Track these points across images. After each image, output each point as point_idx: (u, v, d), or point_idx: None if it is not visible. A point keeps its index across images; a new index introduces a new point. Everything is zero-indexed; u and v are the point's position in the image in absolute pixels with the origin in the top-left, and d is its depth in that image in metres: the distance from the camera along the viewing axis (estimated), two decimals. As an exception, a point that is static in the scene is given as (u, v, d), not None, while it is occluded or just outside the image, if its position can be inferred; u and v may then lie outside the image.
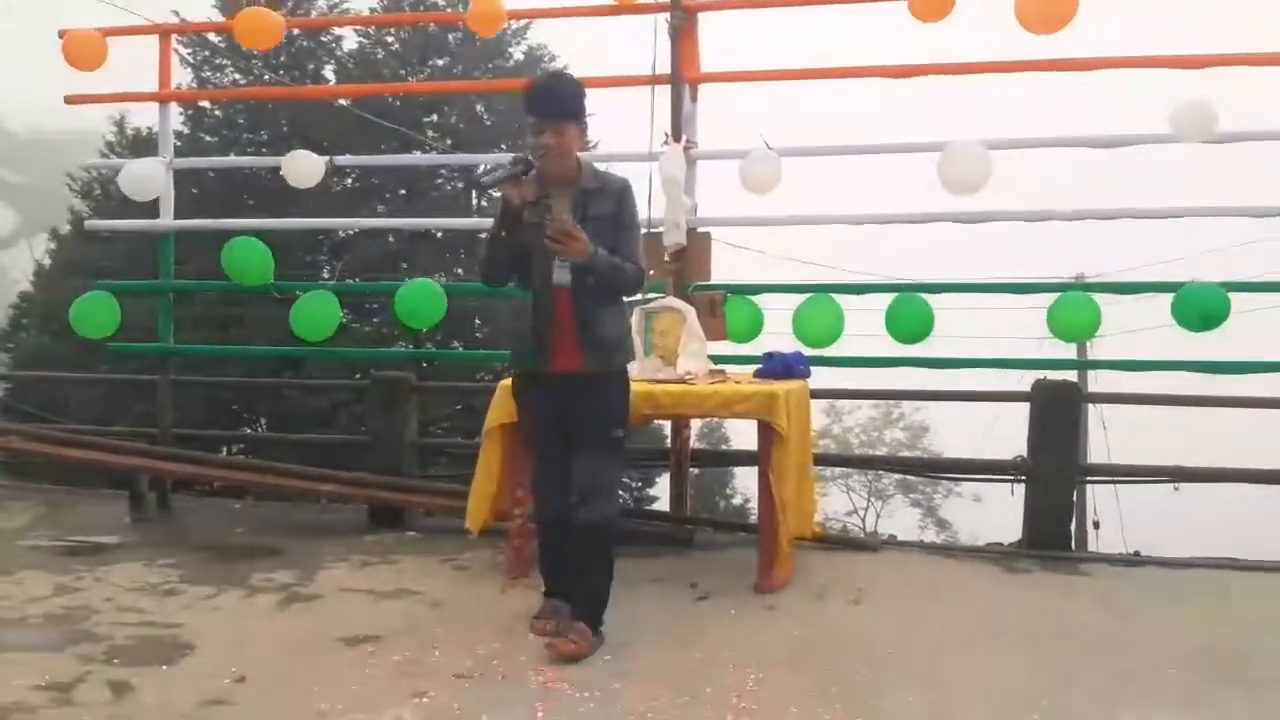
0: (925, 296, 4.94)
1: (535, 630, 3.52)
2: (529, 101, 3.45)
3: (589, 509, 3.48)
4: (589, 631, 3.42)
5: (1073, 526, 5.30)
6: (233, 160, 12.71)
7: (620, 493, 3.70)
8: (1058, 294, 4.93)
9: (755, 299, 5.13)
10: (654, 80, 5.18)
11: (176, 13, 16.98)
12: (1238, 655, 3.47)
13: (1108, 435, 14.01)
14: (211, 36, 17.91)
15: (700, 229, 5.13)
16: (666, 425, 6.13)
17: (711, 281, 5.12)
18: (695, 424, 5.46)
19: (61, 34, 5.67)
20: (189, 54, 17.87)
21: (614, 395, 3.56)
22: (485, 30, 5.46)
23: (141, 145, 16.61)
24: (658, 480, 16.68)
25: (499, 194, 3.45)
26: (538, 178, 3.43)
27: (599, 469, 3.51)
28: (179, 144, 15.49)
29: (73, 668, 3.24)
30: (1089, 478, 6.28)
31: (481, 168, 3.47)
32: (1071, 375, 5.83)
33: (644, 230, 5.04)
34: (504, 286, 3.64)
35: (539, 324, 3.49)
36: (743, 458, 5.52)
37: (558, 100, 3.46)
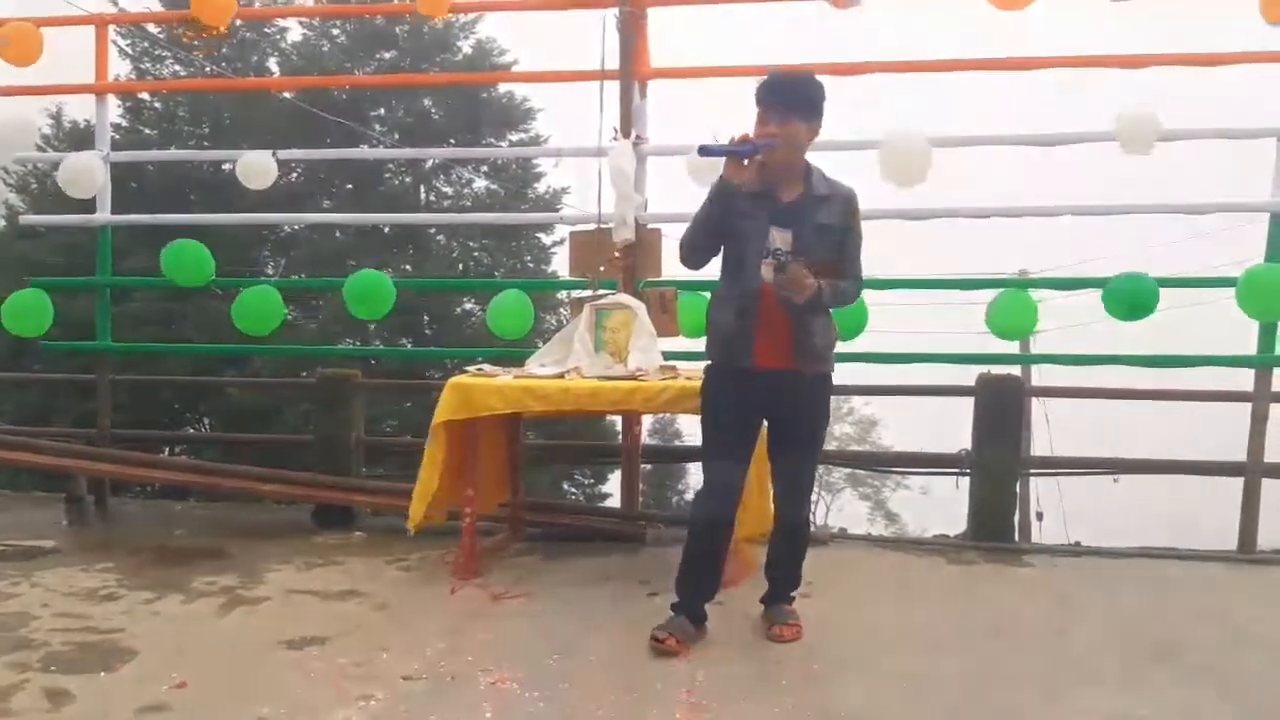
0: (873, 293, 4.98)
1: (655, 639, 3.39)
2: (759, 91, 3.40)
3: (796, 508, 3.62)
4: (795, 610, 3.68)
5: (1016, 518, 5.39)
6: (173, 154, 12.45)
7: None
8: (999, 290, 5.00)
9: (706, 295, 5.13)
10: (603, 75, 5.17)
11: (115, 2, 16.62)
12: (1174, 643, 3.55)
13: (1050, 428, 14.28)
14: (151, 27, 17.54)
15: (650, 225, 5.13)
16: (618, 421, 6.13)
17: (662, 277, 5.12)
18: (647, 420, 5.46)
19: (-8, 24, 5.51)
20: (127, 45, 17.49)
21: (822, 398, 3.60)
22: (433, 11, 5.38)
23: (79, 138, 16.23)
24: (609, 477, 16.70)
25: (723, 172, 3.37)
26: (762, 167, 3.38)
27: (805, 469, 3.63)
28: (117, 137, 15.21)
29: (8, 676, 3.15)
30: (1032, 470, 6.40)
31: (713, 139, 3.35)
32: (1015, 369, 5.93)
33: (596, 226, 5.08)
34: (699, 268, 3.58)
35: (744, 318, 3.43)
36: (695, 453, 5.53)
37: (786, 93, 3.38)
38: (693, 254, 3.53)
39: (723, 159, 3.33)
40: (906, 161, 4.76)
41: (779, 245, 3.39)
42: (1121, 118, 4.68)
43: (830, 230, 3.43)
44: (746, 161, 3.32)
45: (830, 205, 3.44)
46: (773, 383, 3.45)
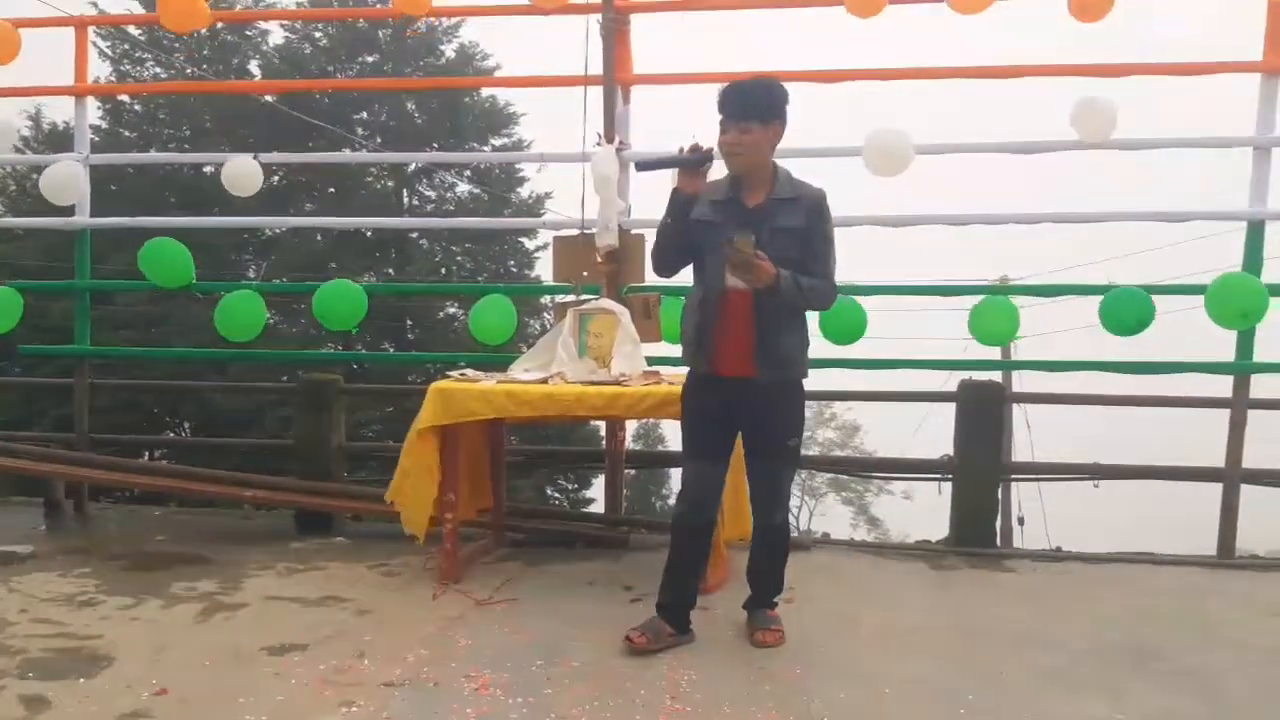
0: (856, 299, 5.01)
1: (630, 640, 3.42)
2: (718, 99, 3.40)
3: (769, 515, 3.59)
4: (776, 615, 3.66)
5: (998, 523, 5.42)
6: (153, 156, 12.40)
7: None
8: (981, 296, 5.03)
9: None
10: (586, 81, 5.17)
11: (94, 4, 16.53)
12: (1153, 647, 3.58)
13: (1031, 434, 14.38)
14: (131, 29, 17.44)
15: (633, 230, 5.13)
16: (602, 426, 6.12)
17: (645, 283, 5.12)
18: (631, 425, 5.46)
19: (-30, 25, 5.46)
20: (107, 47, 17.38)
21: (789, 405, 3.53)
22: (415, 9, 5.36)
23: (58, 140, 16.11)
24: (593, 482, 16.69)
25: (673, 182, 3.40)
26: (734, 180, 3.42)
27: (776, 477, 3.57)
28: (97, 139, 15.10)
29: (-17, 683, 3.12)
30: (1013, 475, 6.43)
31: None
32: (996, 375, 5.96)
33: (579, 231, 5.08)
34: (671, 276, 3.60)
35: (706, 324, 3.43)
36: (678, 458, 5.53)
37: (744, 98, 3.36)
38: (661, 264, 3.56)
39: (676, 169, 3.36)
40: (888, 153, 4.77)
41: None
42: (1078, 105, 4.70)
43: (793, 232, 3.38)
44: (700, 169, 3.34)
45: (795, 207, 3.41)
46: (735, 390, 3.45)
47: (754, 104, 3.37)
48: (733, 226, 3.33)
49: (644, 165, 3.47)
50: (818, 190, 3.48)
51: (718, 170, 3.50)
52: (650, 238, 5.16)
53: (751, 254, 3.24)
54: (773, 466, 3.56)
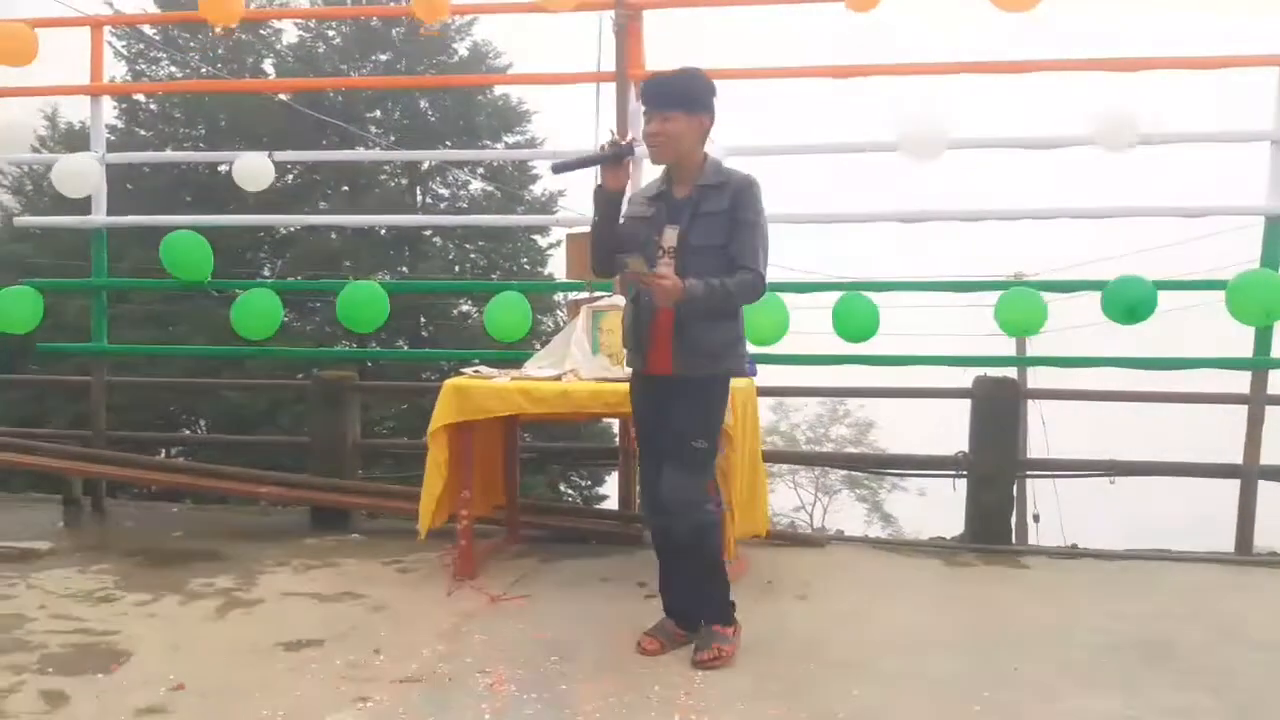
0: (870, 295, 4.99)
1: (641, 646, 3.41)
2: (640, 92, 3.39)
3: (676, 522, 3.37)
4: (724, 631, 3.39)
5: (1013, 520, 5.40)
6: (168, 155, 12.45)
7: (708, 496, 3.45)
8: (998, 291, 5.01)
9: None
10: (599, 78, 5.18)
11: (110, 3, 16.61)
12: (1169, 644, 3.56)
13: (1046, 430, 14.31)
14: (146, 29, 17.52)
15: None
16: (615, 423, 6.13)
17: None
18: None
19: (-12, 25, 5.50)
20: (123, 46, 17.46)
21: (703, 402, 3.37)
22: (430, 17, 5.38)
23: (74, 139, 16.19)
24: (606, 479, 16.69)
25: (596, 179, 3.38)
26: (666, 175, 3.41)
27: (682, 481, 3.35)
28: (112, 138, 15.18)
29: (4, 678, 3.14)
30: (1028, 472, 6.41)
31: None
32: (1011, 371, 5.93)
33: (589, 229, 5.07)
34: (613, 275, 3.56)
35: (636, 323, 3.42)
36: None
37: (666, 88, 3.34)
38: (596, 263, 3.50)
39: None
40: (925, 138, 4.75)
41: (672, 244, 3.33)
42: (1100, 118, 4.68)
43: (716, 218, 3.31)
44: (624, 162, 3.31)
45: (719, 193, 3.33)
46: (659, 388, 3.42)
47: (675, 94, 3.34)
48: (664, 221, 3.33)
49: (560, 166, 3.45)
50: (746, 176, 3.41)
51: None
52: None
53: (645, 275, 3.19)
54: (676, 470, 3.36)
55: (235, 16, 5.46)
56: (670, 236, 3.35)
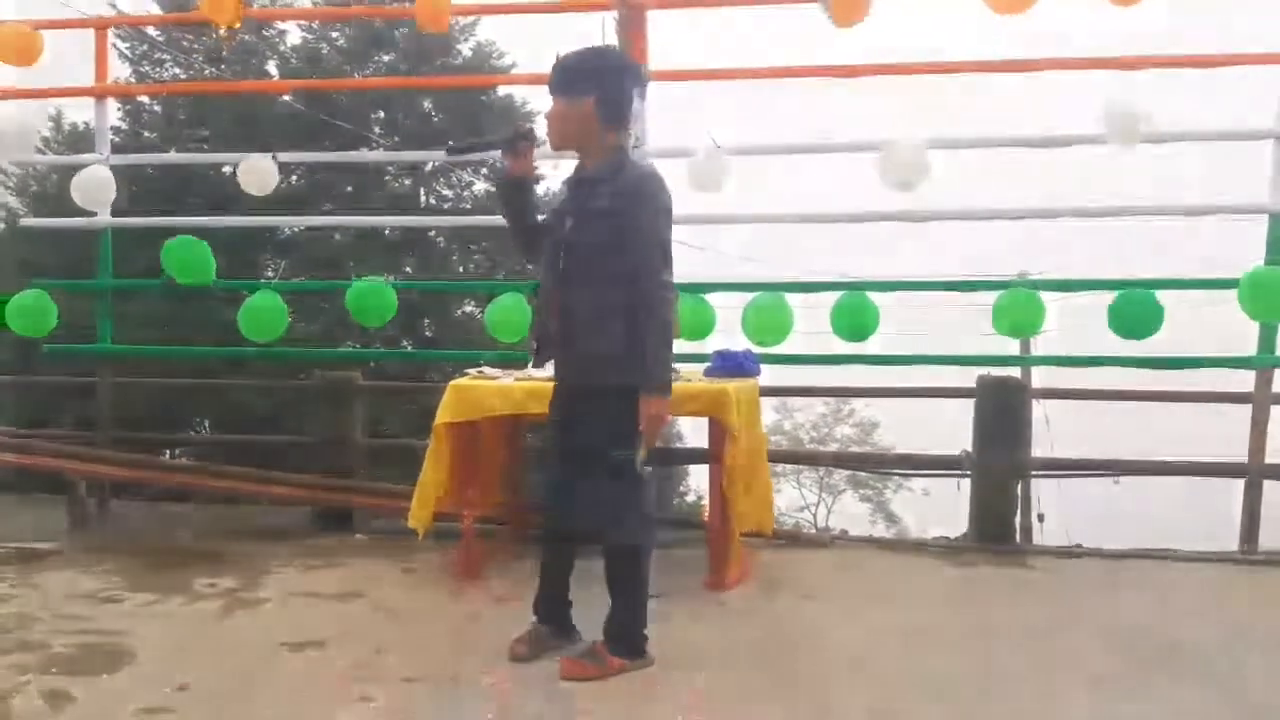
0: (872, 294, 4.99)
1: (511, 652, 3.31)
2: (550, 83, 3.23)
3: (607, 537, 3.26)
4: (610, 661, 3.17)
5: (1018, 520, 5.39)
6: (173, 157, 12.45)
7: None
8: (1001, 291, 5.00)
9: (705, 297, 5.14)
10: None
11: (113, 4, 16.63)
12: (1175, 644, 3.55)
13: (1051, 429, 14.26)
14: (150, 30, 17.54)
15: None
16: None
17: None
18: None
19: (-8, 26, 5.51)
20: (127, 48, 17.49)
21: (610, 413, 3.11)
22: (433, 25, 5.40)
23: (78, 141, 16.21)
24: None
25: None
26: (580, 168, 3.26)
27: (606, 491, 3.18)
28: (117, 140, 15.19)
29: (9, 678, 3.15)
30: (1033, 472, 6.39)
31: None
32: (1015, 371, 5.92)
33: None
34: (538, 260, 3.38)
35: (542, 321, 3.33)
36: (694, 456, 5.54)
37: (557, 71, 3.18)
38: (520, 250, 3.43)
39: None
40: (904, 169, 4.75)
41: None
42: (1108, 110, 4.67)
43: (603, 215, 3.09)
44: (519, 147, 3.22)
45: (610, 187, 3.10)
46: (561, 392, 3.35)
47: (564, 77, 3.18)
48: (565, 213, 3.20)
49: (455, 149, 3.36)
50: (644, 171, 3.20)
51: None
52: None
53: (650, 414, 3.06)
54: (602, 482, 3.17)
55: (236, 16, 5.46)
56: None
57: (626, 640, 3.24)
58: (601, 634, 3.27)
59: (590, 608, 3.40)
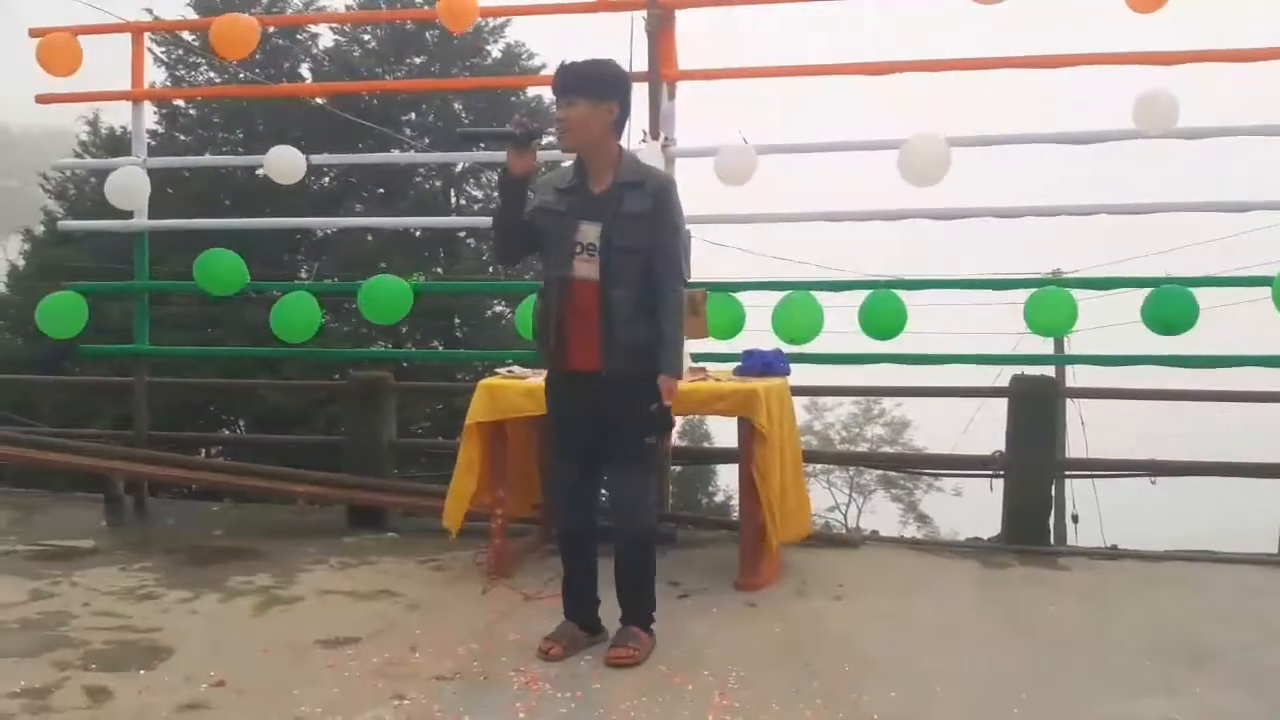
0: (902, 293, 4.96)
1: (542, 650, 3.33)
2: (555, 85, 3.30)
3: (629, 524, 3.38)
4: (643, 637, 3.36)
5: (1051, 520, 5.34)
6: (208, 160, 12.60)
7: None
8: (1034, 290, 4.95)
9: (736, 296, 5.13)
10: (631, 78, 5.17)
11: (150, 10, 16.85)
12: (1212, 647, 3.50)
13: (1085, 429, 14.12)
14: (185, 35, 17.76)
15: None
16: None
17: (692, 280, 5.11)
18: (677, 421, 5.45)
19: (33, 33, 5.60)
20: (162, 53, 17.71)
21: (635, 400, 3.29)
22: (457, 25, 5.42)
23: (115, 144, 16.44)
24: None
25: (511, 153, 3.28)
26: (579, 166, 3.33)
27: (631, 480, 3.36)
28: (153, 143, 15.40)
29: (49, 674, 3.20)
30: (1067, 472, 6.33)
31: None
32: (1049, 370, 5.87)
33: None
34: (515, 264, 3.49)
35: (552, 316, 3.33)
36: (724, 455, 5.53)
37: (570, 74, 3.26)
38: (501, 252, 3.47)
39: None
40: (925, 163, 4.72)
41: (591, 240, 3.27)
42: (1140, 101, 4.60)
43: (639, 218, 3.25)
44: (530, 146, 3.24)
45: (640, 191, 3.27)
46: (586, 385, 3.34)
47: (582, 80, 3.25)
48: (577, 216, 3.27)
49: (468, 134, 3.32)
50: (665, 175, 3.42)
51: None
52: (696, 233, 5.18)
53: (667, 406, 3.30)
54: (627, 470, 3.35)
55: (247, 47, 5.53)
56: (589, 233, 3.27)
57: (648, 619, 3.44)
58: (625, 619, 3.42)
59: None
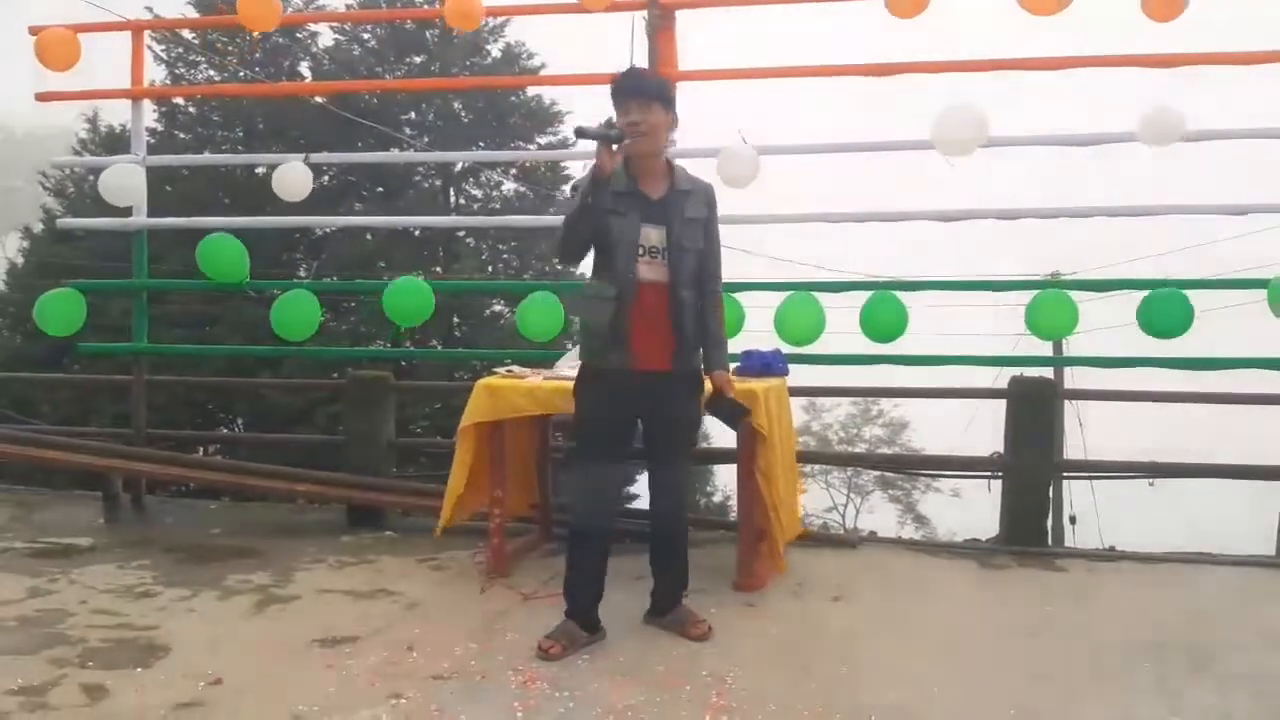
0: (902, 295, 4.96)
1: (541, 649, 3.34)
2: (615, 87, 3.39)
3: (681, 511, 3.68)
4: (693, 611, 3.61)
5: (1049, 522, 5.34)
6: (207, 158, 12.59)
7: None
8: (1034, 292, 4.96)
9: (736, 297, 5.13)
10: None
11: (150, 9, 16.85)
12: (1210, 649, 3.50)
13: (1084, 431, 14.13)
14: (185, 33, 17.75)
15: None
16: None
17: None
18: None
19: (33, 31, 5.60)
20: (162, 51, 17.70)
21: (695, 396, 3.59)
22: (464, 24, 5.43)
23: (115, 142, 16.43)
24: (638, 478, 16.69)
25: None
26: (629, 172, 3.41)
27: (680, 472, 3.65)
28: (153, 141, 15.39)
29: (46, 671, 3.20)
30: (1065, 473, 6.34)
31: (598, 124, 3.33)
32: (1048, 372, 5.87)
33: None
34: (575, 264, 3.59)
35: (620, 319, 3.38)
36: (722, 455, 5.53)
37: (645, 81, 3.44)
38: (569, 252, 3.50)
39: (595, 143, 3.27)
40: (960, 130, 4.70)
41: (654, 243, 3.40)
42: (1147, 115, 4.61)
43: (697, 224, 3.48)
44: (615, 149, 3.27)
45: (697, 199, 3.49)
46: (648, 384, 3.42)
47: (660, 88, 3.43)
48: (639, 220, 3.38)
49: (589, 132, 3.34)
50: (708, 183, 3.60)
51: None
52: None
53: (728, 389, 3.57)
54: (680, 462, 3.65)
55: (273, 20, 5.52)
56: (654, 237, 3.41)
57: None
58: (674, 600, 3.66)
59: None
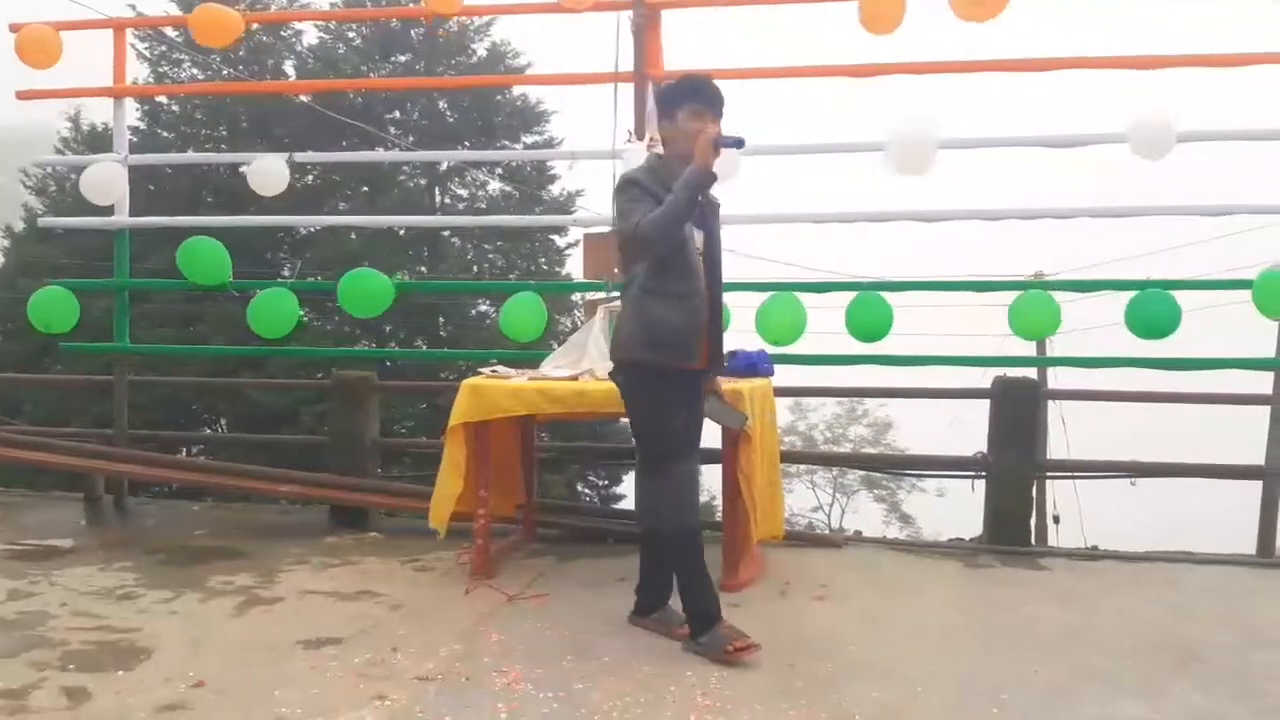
0: (887, 295, 4.98)
1: (737, 649, 3.30)
2: (705, 90, 3.43)
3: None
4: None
5: (1033, 521, 5.37)
6: (190, 156, 12.52)
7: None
8: (1017, 292, 4.98)
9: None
10: (617, 78, 5.17)
11: (132, 6, 16.75)
12: (1192, 647, 3.53)
13: (1067, 431, 14.20)
14: (168, 31, 17.66)
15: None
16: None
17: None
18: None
19: (13, 28, 5.56)
20: (145, 49, 17.60)
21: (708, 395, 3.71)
22: (444, 8, 5.38)
23: (97, 141, 16.35)
24: (624, 479, 16.70)
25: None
26: (669, 169, 3.47)
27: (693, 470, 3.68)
28: (135, 140, 15.30)
29: (26, 674, 3.17)
30: (1048, 473, 6.37)
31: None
32: (1031, 372, 5.90)
33: (608, 229, 5.08)
34: (653, 258, 3.37)
35: (696, 319, 3.47)
36: (707, 455, 5.53)
37: (720, 94, 3.49)
38: (660, 248, 3.33)
39: (727, 149, 3.38)
40: (913, 152, 4.73)
41: (698, 246, 3.50)
42: (1136, 123, 4.64)
43: (718, 231, 3.66)
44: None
45: (714, 206, 3.65)
46: (694, 382, 3.58)
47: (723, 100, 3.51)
48: (694, 223, 3.44)
49: (726, 142, 3.36)
50: (715, 196, 3.67)
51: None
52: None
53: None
54: (696, 460, 3.67)
55: (229, 35, 5.49)
56: (698, 239, 3.52)
57: (699, 625, 3.52)
58: (655, 601, 3.70)
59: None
